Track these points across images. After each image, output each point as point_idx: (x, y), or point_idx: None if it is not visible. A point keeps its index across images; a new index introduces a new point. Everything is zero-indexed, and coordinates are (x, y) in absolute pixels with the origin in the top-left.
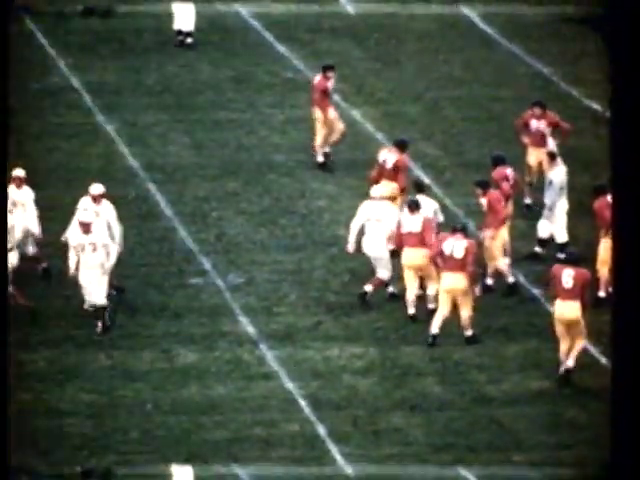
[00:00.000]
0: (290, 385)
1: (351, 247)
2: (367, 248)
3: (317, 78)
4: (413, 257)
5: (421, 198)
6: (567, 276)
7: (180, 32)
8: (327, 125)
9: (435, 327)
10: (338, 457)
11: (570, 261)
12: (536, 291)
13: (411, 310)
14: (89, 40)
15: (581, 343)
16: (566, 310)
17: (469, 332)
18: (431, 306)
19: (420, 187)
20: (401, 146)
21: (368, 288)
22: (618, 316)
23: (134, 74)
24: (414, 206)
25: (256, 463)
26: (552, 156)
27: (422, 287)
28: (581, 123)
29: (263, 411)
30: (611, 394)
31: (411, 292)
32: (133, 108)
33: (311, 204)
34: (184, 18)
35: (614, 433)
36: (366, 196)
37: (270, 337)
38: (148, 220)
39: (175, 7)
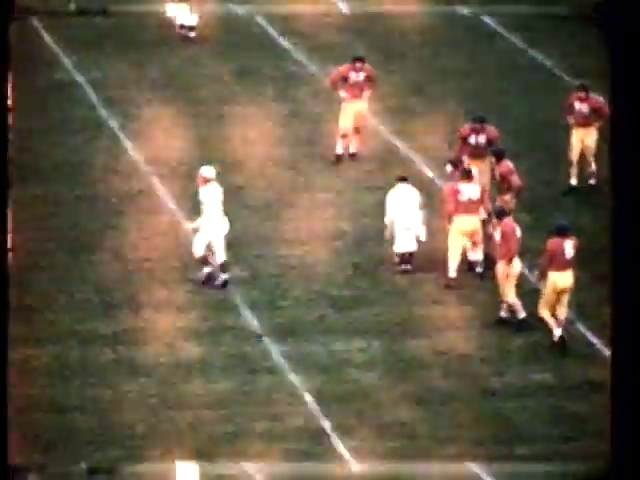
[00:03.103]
0: (295, 379)
1: None
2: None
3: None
4: (468, 223)
5: (405, 187)
6: (569, 247)
7: (182, 26)
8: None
9: (522, 312)
10: (343, 451)
11: (566, 233)
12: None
13: (452, 274)
14: (92, 36)
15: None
16: (567, 279)
17: (523, 314)
18: (479, 270)
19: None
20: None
21: None
22: (618, 309)
23: (137, 68)
24: (469, 174)
25: (261, 458)
26: None
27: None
28: None
29: (268, 405)
30: (612, 387)
31: (456, 258)
32: (136, 102)
33: (315, 197)
34: (186, 12)
35: (616, 426)
36: (368, 189)
37: (274, 331)
38: (152, 214)
39: (174, 5)
